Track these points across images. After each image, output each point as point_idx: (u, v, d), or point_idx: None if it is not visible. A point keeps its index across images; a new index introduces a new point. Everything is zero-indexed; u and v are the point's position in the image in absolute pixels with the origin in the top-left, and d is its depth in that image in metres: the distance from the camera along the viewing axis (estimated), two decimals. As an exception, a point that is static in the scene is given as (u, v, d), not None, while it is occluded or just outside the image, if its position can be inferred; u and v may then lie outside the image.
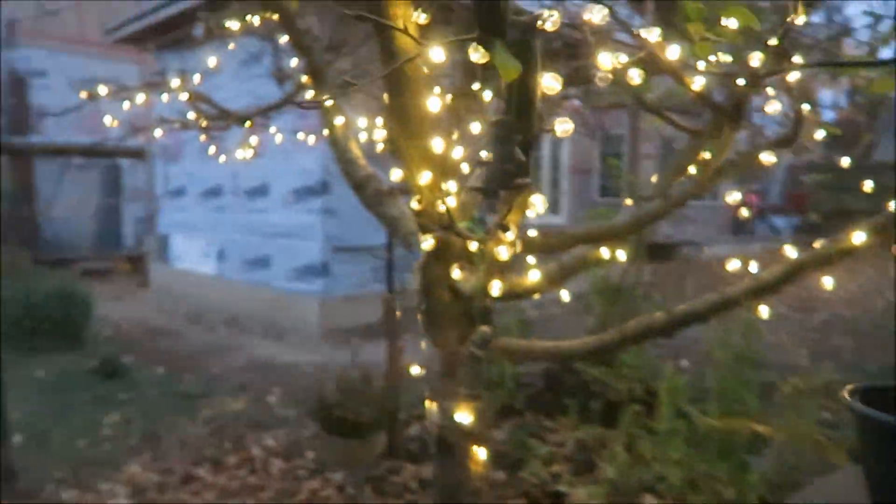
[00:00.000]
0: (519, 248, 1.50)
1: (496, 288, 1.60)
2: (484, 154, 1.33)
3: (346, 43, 3.09)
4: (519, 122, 1.18)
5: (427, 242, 1.76)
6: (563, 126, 1.20)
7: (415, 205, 1.76)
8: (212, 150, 3.73)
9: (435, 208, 1.76)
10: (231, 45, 3.25)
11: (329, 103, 2.78)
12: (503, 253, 1.45)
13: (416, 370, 2.53)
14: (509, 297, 1.83)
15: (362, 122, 2.86)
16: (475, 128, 2.02)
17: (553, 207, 17.21)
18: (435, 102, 1.54)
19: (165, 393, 6.09)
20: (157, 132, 3.36)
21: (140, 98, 3.25)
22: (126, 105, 3.31)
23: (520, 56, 1.03)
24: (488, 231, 1.51)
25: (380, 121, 3.12)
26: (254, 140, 3.60)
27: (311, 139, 3.74)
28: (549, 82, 1.14)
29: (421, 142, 1.77)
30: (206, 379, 6.67)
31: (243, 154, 3.69)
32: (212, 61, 3.22)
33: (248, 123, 3.47)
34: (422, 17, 1.54)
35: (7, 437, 3.89)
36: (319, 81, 2.87)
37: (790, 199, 20.65)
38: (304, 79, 2.97)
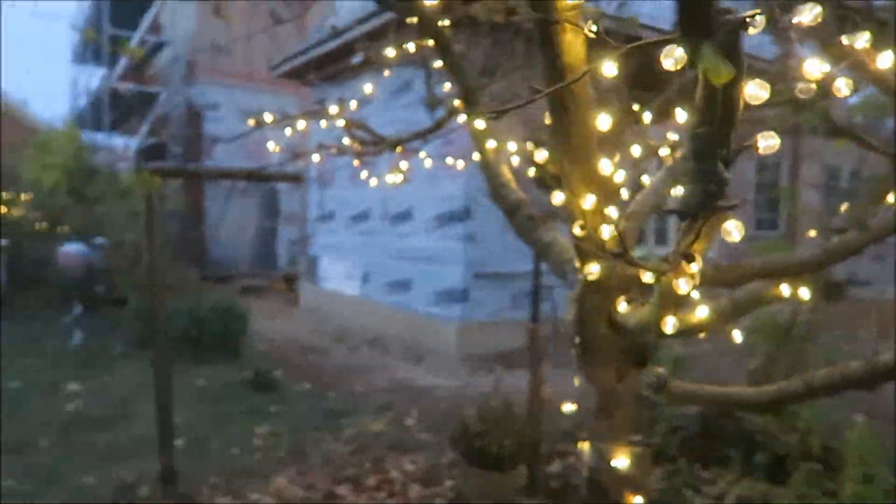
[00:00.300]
0: (698, 282, 1.33)
1: (670, 325, 1.44)
2: (679, 172, 1.19)
3: (499, 67, 3.05)
4: (720, 135, 1.04)
5: (592, 270, 1.64)
6: (768, 142, 1.04)
7: (577, 230, 1.64)
8: (364, 174, 3.83)
9: (598, 234, 1.63)
10: (386, 73, 3.32)
11: (481, 126, 2.74)
12: (683, 286, 1.30)
13: (568, 407, 2.38)
14: (677, 335, 1.65)
15: (512, 146, 2.80)
16: (635, 150, 1.87)
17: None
18: (604, 120, 1.42)
19: (312, 408, 6.31)
20: (315, 157, 3.49)
21: (301, 125, 3.39)
22: (288, 132, 3.47)
23: (727, 60, 0.90)
24: (665, 260, 1.36)
25: (529, 145, 3.03)
26: (404, 165, 3.65)
27: (460, 164, 3.73)
28: (754, 90, 0.99)
29: (585, 164, 1.66)
30: (349, 397, 6.85)
31: (393, 179, 3.75)
32: (367, 88, 3.30)
33: (398, 148, 3.52)
34: (593, 29, 1.43)
35: (172, 441, 4.16)
36: (472, 105, 2.84)
37: None
38: (457, 103, 2.96)
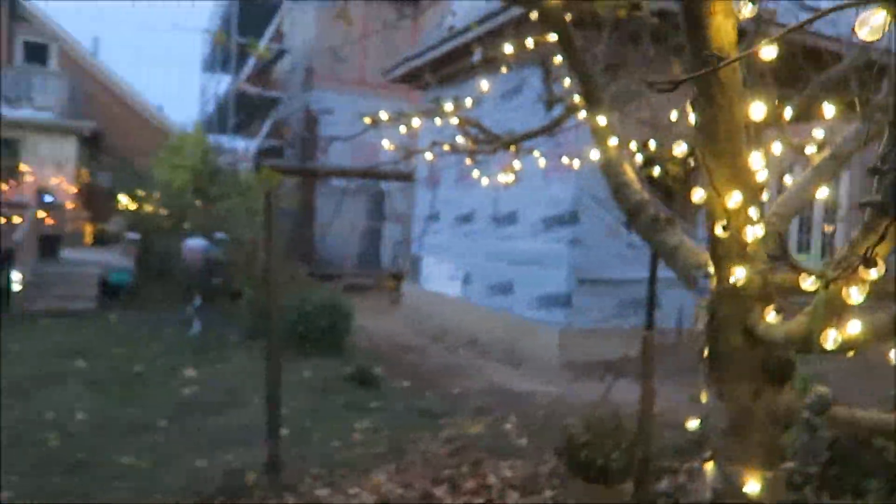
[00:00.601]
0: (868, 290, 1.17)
1: (831, 339, 1.27)
2: (878, 162, 1.04)
3: (622, 64, 2.92)
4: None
5: (738, 275, 1.49)
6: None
7: (720, 231, 1.50)
8: (475, 174, 3.78)
9: (743, 235, 1.48)
10: (504, 69, 3.25)
11: (603, 123, 2.62)
12: (855, 295, 1.14)
13: (693, 423, 2.22)
14: (835, 351, 1.47)
15: (634, 144, 2.66)
16: (777, 148, 1.70)
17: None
18: (758, 110, 1.29)
19: (410, 407, 6.34)
20: (428, 155, 3.47)
21: (415, 122, 3.39)
22: (403, 129, 3.48)
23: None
24: (838, 264, 1.20)
25: (654, 143, 2.88)
26: (517, 165, 3.57)
27: (575, 162, 3.61)
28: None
29: (731, 159, 1.52)
30: (446, 397, 6.84)
31: (506, 178, 3.68)
32: (484, 85, 3.25)
33: (512, 147, 3.45)
34: (748, 9, 1.29)
35: (278, 432, 4.27)
36: (594, 102, 2.72)
37: None
38: (577, 100, 2.85)
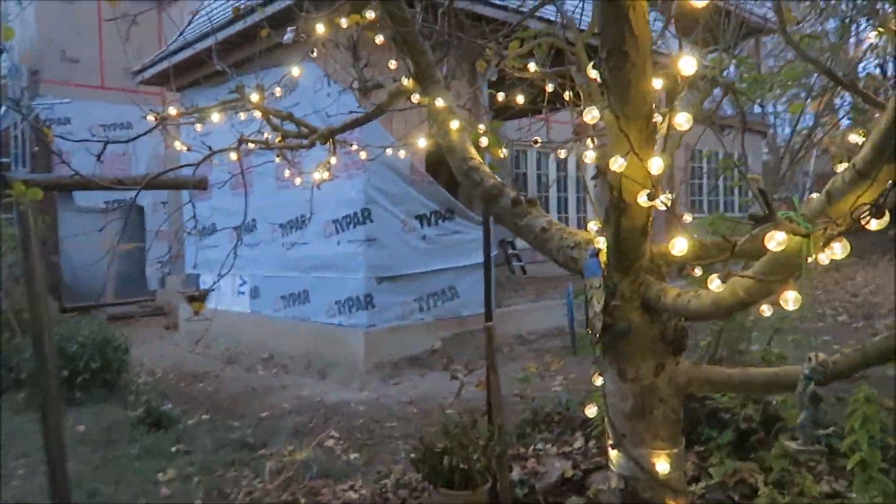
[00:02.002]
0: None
1: (791, 299, 1.19)
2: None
3: (455, 40, 2.74)
4: None
5: (680, 245, 1.38)
6: None
7: (644, 200, 1.39)
8: (287, 174, 3.38)
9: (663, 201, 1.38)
10: (314, 54, 2.91)
11: (441, 104, 2.43)
12: (839, 251, 1.07)
13: (592, 410, 2.12)
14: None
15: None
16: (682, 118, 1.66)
17: (580, 227, 16.88)
18: (689, 63, 1.18)
19: (218, 442, 5.67)
20: (233, 155, 3.00)
21: (215, 118, 2.91)
22: (199, 127, 2.97)
23: None
24: (813, 218, 1.13)
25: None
26: (333, 160, 3.25)
27: (420, 143, 3.37)
28: None
29: (646, 123, 1.40)
30: (256, 424, 6.25)
31: (320, 176, 3.35)
32: (295, 71, 2.88)
33: (331, 142, 3.12)
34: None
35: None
36: (429, 82, 2.52)
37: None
38: (407, 82, 2.62)
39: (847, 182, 1.10)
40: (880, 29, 2.28)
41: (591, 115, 1.52)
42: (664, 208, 1.39)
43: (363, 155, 3.29)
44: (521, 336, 9.38)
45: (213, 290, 4.21)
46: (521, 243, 15.12)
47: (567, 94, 2.63)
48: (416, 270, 8.28)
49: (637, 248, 1.67)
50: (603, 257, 1.80)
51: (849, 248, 1.07)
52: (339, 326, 8.20)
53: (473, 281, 8.86)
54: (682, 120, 1.32)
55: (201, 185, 3.51)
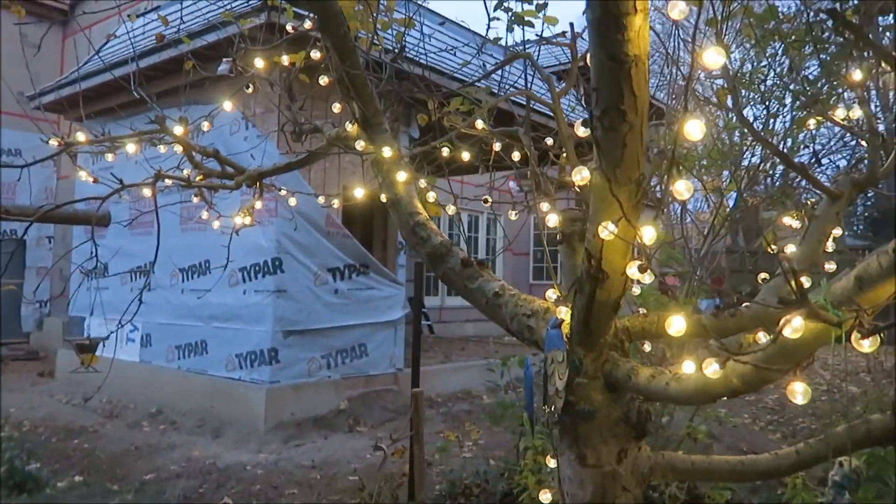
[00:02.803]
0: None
1: (800, 392, 1.09)
2: None
3: (396, 91, 2.62)
4: None
5: (677, 325, 1.25)
6: None
7: (634, 271, 1.27)
8: (205, 215, 3.10)
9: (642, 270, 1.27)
10: (250, 89, 2.70)
11: (388, 154, 2.28)
12: (867, 344, 0.97)
13: (546, 497, 1.94)
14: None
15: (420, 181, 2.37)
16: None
17: (488, 289, 17.01)
18: (695, 128, 1.09)
19: (93, 510, 5.05)
20: (146, 191, 2.70)
21: (130, 148, 2.62)
22: (110, 157, 2.67)
23: None
24: (841, 305, 1.03)
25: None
26: (258, 205, 3.01)
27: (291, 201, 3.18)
28: None
29: (635, 187, 1.30)
30: (138, 488, 5.65)
31: (242, 221, 3.09)
32: (227, 105, 2.65)
33: (258, 184, 2.89)
34: (677, 10, 1.09)
35: None
36: (375, 130, 2.37)
37: (712, 281, 21.41)
38: (351, 128, 2.45)
39: (884, 268, 1.02)
40: (819, 118, 2.35)
41: (581, 175, 1.41)
42: (650, 281, 1.28)
43: (292, 201, 3.06)
44: (429, 398, 9.13)
45: (108, 338, 3.77)
46: (430, 302, 15.02)
47: (514, 155, 2.55)
48: (325, 325, 7.95)
49: (607, 322, 1.55)
50: (566, 329, 1.67)
51: (879, 341, 0.98)
52: (239, 381, 7.68)
53: (383, 339, 8.60)
54: (682, 188, 1.23)
55: (104, 221, 3.17)
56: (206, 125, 2.71)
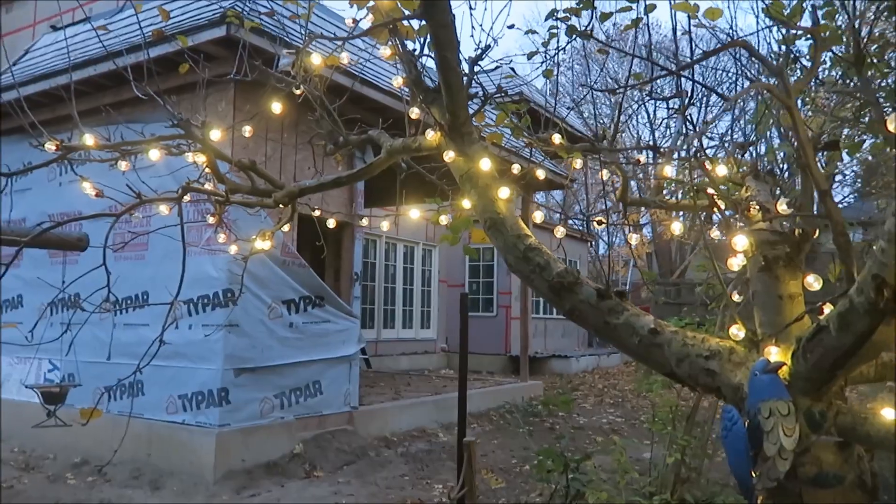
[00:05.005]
0: None
1: None
2: None
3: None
4: None
5: None
6: None
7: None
8: (222, 238, 2.62)
9: None
10: (299, 90, 2.28)
11: (487, 167, 1.94)
12: None
13: None
14: None
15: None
16: None
17: (424, 321, 16.66)
18: None
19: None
20: (164, 209, 2.23)
21: (154, 155, 2.15)
22: (123, 165, 2.18)
23: None
24: None
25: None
26: (287, 227, 2.58)
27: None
28: None
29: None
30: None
31: (262, 246, 2.65)
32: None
33: (287, 205, 2.46)
34: None
35: None
36: (464, 139, 2.02)
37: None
38: (432, 136, 2.09)
39: None
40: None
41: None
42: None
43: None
44: (384, 437, 8.63)
45: (78, 385, 3.17)
46: (365, 335, 14.48)
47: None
48: (279, 362, 7.36)
49: (864, 364, 1.27)
50: (784, 374, 1.38)
51: None
52: (183, 425, 6.95)
53: (338, 375, 8.07)
54: None
55: (80, 244, 2.65)
56: (248, 131, 2.27)
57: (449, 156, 2.01)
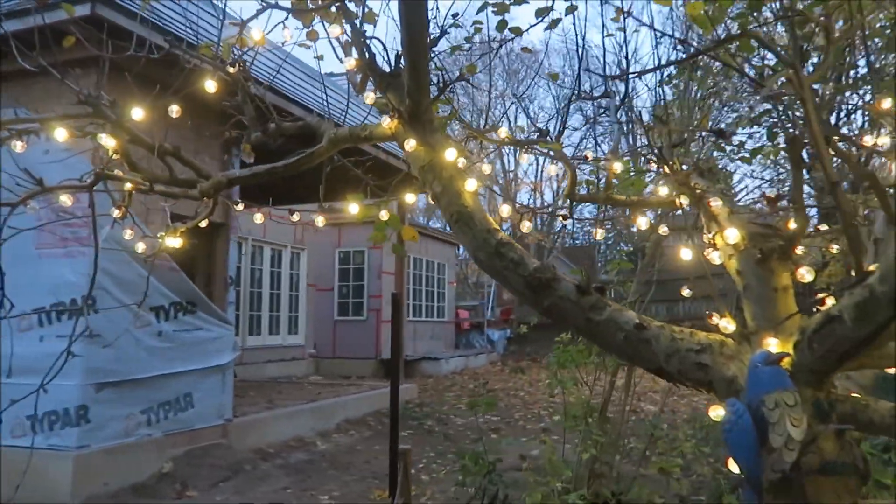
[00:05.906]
0: None
1: None
2: None
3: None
4: None
5: None
6: None
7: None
8: (129, 233, 2.29)
9: None
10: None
11: (452, 157, 1.84)
12: None
13: None
14: None
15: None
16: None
17: (291, 327, 16.12)
18: None
19: None
20: (63, 199, 1.89)
21: (60, 135, 1.81)
22: (20, 146, 1.82)
23: None
24: None
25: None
26: (204, 224, 2.31)
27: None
28: None
29: None
30: None
31: (173, 244, 2.36)
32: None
33: (208, 198, 2.20)
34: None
35: None
36: (425, 126, 1.89)
37: (501, 313, 22.58)
38: (388, 123, 1.94)
39: None
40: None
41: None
42: None
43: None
44: (261, 449, 8.17)
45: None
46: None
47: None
48: (146, 374, 6.74)
49: (863, 353, 1.29)
50: (786, 364, 1.39)
51: None
52: (35, 451, 6.14)
53: (211, 386, 7.54)
54: None
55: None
56: (175, 111, 1.97)
57: (410, 144, 1.87)
